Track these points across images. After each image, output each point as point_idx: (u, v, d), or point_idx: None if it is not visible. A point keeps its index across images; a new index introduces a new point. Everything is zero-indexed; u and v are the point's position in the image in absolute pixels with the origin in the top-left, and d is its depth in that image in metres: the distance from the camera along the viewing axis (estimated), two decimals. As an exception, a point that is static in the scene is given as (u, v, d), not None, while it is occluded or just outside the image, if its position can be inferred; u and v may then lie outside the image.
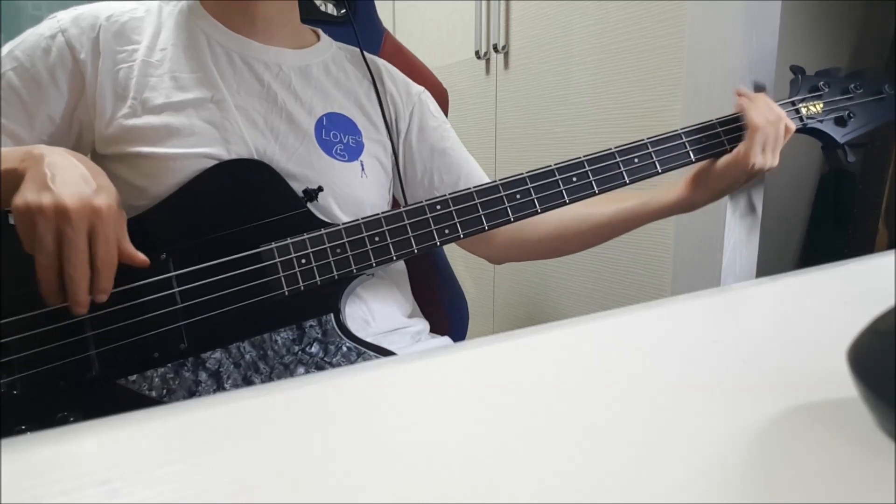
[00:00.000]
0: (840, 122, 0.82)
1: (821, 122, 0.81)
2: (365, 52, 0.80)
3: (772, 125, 0.70)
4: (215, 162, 0.64)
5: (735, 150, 0.71)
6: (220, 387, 0.60)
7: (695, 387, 0.25)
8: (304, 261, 0.62)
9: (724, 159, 0.72)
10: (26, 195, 0.51)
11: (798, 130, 0.81)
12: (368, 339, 0.66)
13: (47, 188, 0.51)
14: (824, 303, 0.37)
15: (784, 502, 0.17)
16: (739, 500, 0.17)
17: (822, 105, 0.81)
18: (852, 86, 0.82)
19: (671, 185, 0.76)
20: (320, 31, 0.81)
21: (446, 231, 0.66)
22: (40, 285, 0.52)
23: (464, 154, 0.84)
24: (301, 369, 0.62)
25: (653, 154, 0.72)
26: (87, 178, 0.54)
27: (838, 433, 0.21)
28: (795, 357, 0.28)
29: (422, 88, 0.85)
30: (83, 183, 0.53)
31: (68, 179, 0.52)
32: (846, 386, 0.22)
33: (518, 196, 0.68)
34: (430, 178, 0.80)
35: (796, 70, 0.85)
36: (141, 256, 0.57)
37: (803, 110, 0.80)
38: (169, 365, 0.59)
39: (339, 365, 0.63)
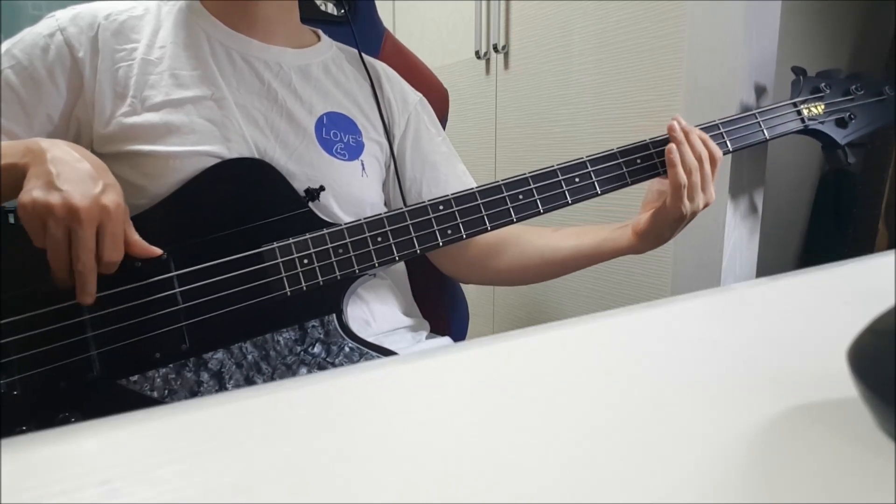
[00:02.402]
0: (841, 123, 0.82)
1: (822, 123, 0.81)
2: (364, 55, 0.80)
3: (693, 173, 0.68)
4: (215, 160, 0.64)
5: (662, 203, 0.70)
6: (222, 387, 0.60)
7: (695, 387, 0.25)
8: (306, 261, 0.62)
9: (656, 211, 0.71)
10: (34, 193, 0.51)
11: (799, 132, 0.81)
12: (369, 340, 0.66)
13: (55, 187, 0.51)
14: (824, 303, 0.37)
15: (784, 502, 0.17)
16: (739, 500, 0.17)
17: (823, 106, 0.81)
18: (853, 87, 0.82)
19: (625, 229, 0.76)
20: (320, 32, 0.81)
21: (449, 231, 0.66)
22: (54, 276, 0.53)
23: (454, 169, 0.83)
24: (303, 370, 0.62)
25: (654, 155, 0.71)
26: (93, 175, 0.53)
27: (838, 433, 0.21)
28: (795, 357, 0.28)
29: (419, 97, 0.84)
30: (90, 181, 0.53)
31: (74, 177, 0.52)
32: (846, 386, 0.22)
33: (521, 196, 0.68)
34: (419, 188, 0.80)
35: (798, 71, 0.84)
36: (153, 249, 0.58)
37: (805, 111, 0.80)
38: (170, 365, 0.59)
39: (341, 365, 0.63)
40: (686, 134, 0.70)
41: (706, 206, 0.70)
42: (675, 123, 0.70)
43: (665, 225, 0.71)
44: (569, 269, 0.79)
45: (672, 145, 0.69)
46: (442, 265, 0.85)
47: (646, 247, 0.74)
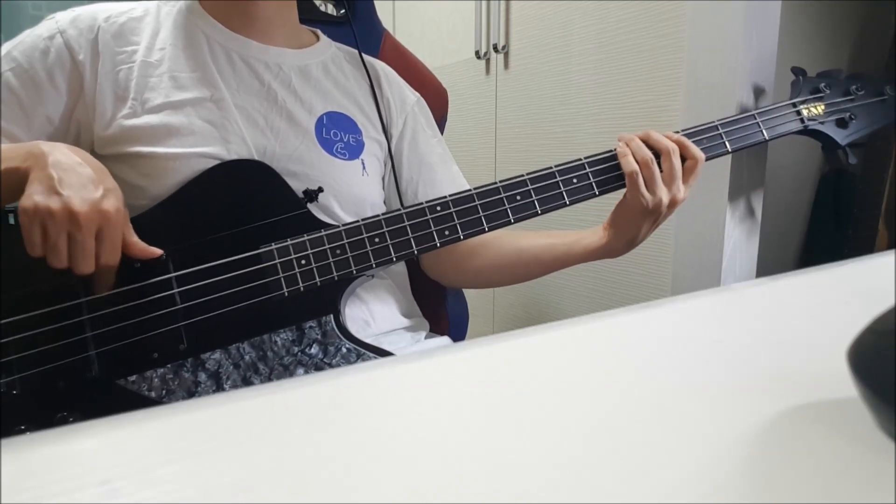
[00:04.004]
0: (841, 123, 0.81)
1: (822, 123, 0.81)
2: (363, 55, 0.80)
3: (645, 166, 0.68)
4: (215, 162, 0.64)
5: (623, 196, 0.71)
6: (219, 387, 0.60)
7: (695, 387, 0.25)
8: (303, 262, 0.62)
9: (619, 203, 0.71)
10: (35, 198, 0.51)
11: (799, 132, 0.81)
12: (368, 340, 0.66)
13: (56, 192, 0.51)
14: (824, 303, 0.37)
15: (784, 502, 0.17)
16: (739, 500, 0.17)
17: (823, 107, 0.81)
18: (854, 87, 0.82)
19: (597, 227, 0.75)
20: (319, 32, 0.81)
21: (446, 232, 0.66)
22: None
23: (449, 171, 0.83)
24: (300, 370, 0.62)
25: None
26: (94, 179, 0.54)
27: (838, 433, 0.21)
28: (795, 357, 0.28)
29: (417, 98, 0.84)
30: (91, 185, 0.53)
31: (76, 182, 0.52)
32: (846, 386, 0.22)
33: (518, 197, 0.68)
34: (415, 188, 0.80)
35: (798, 71, 0.84)
36: (152, 249, 0.58)
37: (804, 112, 0.80)
38: (168, 365, 0.59)
39: (338, 366, 0.63)
40: (645, 136, 0.70)
41: (674, 203, 0.69)
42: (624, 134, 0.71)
43: (629, 218, 0.70)
44: (544, 269, 0.79)
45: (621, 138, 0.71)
46: (429, 268, 0.85)
47: (617, 244, 0.73)
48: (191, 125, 0.64)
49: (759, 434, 0.21)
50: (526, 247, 0.78)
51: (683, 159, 0.70)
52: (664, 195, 0.68)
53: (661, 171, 0.68)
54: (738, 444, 0.20)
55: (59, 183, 0.52)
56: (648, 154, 0.68)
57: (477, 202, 0.67)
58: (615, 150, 0.71)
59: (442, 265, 0.83)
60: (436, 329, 0.83)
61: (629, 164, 0.68)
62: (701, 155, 0.70)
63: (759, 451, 0.20)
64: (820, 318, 0.34)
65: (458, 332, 0.95)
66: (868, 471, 0.19)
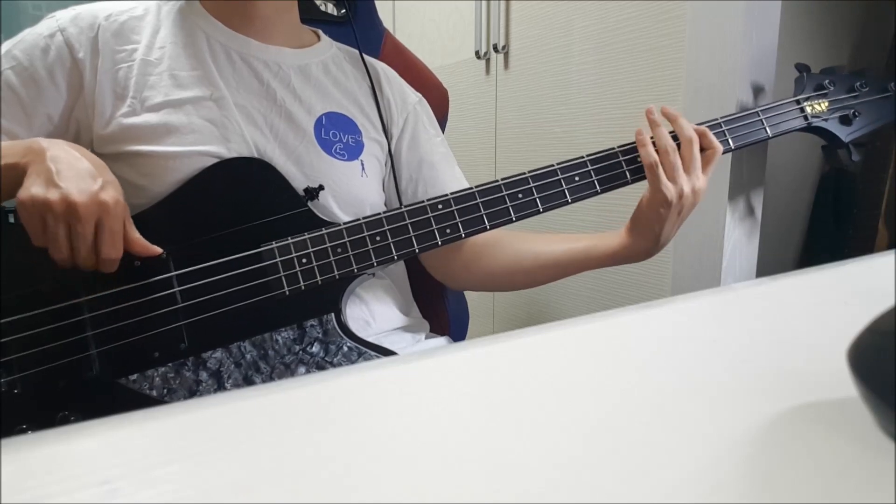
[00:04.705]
0: (845, 120, 0.81)
1: (826, 120, 0.80)
2: (364, 55, 0.80)
3: (665, 154, 0.68)
4: (215, 160, 0.64)
5: (643, 194, 0.70)
6: (220, 386, 0.60)
7: (695, 387, 0.25)
8: (304, 260, 0.62)
9: (642, 199, 0.71)
10: (32, 190, 0.51)
11: (802, 129, 0.80)
12: (369, 340, 0.66)
13: (54, 184, 0.51)
14: (824, 303, 0.37)
15: (784, 502, 0.17)
16: (739, 500, 0.17)
17: (827, 103, 0.80)
18: (858, 84, 0.81)
19: (617, 230, 0.75)
20: (320, 32, 0.81)
21: (448, 231, 0.66)
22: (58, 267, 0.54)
23: (451, 171, 0.82)
24: (302, 369, 0.62)
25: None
26: (92, 172, 0.54)
27: (838, 433, 0.21)
28: (795, 357, 0.28)
29: (418, 98, 0.84)
30: (88, 178, 0.53)
31: (73, 174, 0.53)
32: (846, 386, 0.22)
33: (520, 195, 0.68)
34: (415, 188, 0.79)
35: (801, 68, 0.84)
36: (153, 247, 0.58)
37: (808, 109, 0.79)
38: (169, 364, 0.59)
39: (339, 365, 0.63)
40: (674, 119, 0.70)
41: (695, 191, 0.68)
42: (654, 107, 0.70)
43: (652, 213, 0.69)
44: (561, 273, 0.78)
45: (641, 128, 0.70)
46: (435, 269, 0.84)
47: (643, 244, 0.72)
48: (191, 124, 0.64)
49: (759, 434, 0.21)
50: (542, 251, 0.77)
51: (702, 149, 0.70)
52: (685, 183, 0.68)
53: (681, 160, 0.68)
54: (738, 444, 0.20)
55: (57, 175, 0.52)
56: (671, 143, 0.68)
57: (478, 200, 0.67)
58: (616, 148, 0.71)
59: (449, 266, 0.82)
60: (436, 329, 0.83)
61: (648, 154, 0.68)
62: (719, 146, 0.70)
63: (759, 451, 0.20)
64: (820, 318, 0.34)
65: (458, 332, 0.95)
66: (868, 471, 0.19)
